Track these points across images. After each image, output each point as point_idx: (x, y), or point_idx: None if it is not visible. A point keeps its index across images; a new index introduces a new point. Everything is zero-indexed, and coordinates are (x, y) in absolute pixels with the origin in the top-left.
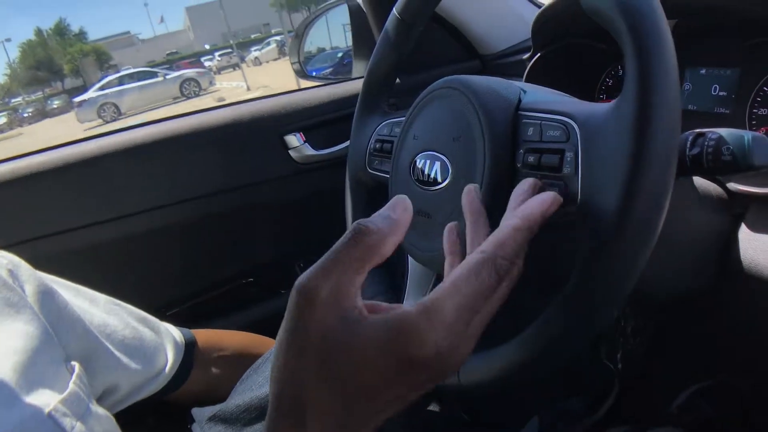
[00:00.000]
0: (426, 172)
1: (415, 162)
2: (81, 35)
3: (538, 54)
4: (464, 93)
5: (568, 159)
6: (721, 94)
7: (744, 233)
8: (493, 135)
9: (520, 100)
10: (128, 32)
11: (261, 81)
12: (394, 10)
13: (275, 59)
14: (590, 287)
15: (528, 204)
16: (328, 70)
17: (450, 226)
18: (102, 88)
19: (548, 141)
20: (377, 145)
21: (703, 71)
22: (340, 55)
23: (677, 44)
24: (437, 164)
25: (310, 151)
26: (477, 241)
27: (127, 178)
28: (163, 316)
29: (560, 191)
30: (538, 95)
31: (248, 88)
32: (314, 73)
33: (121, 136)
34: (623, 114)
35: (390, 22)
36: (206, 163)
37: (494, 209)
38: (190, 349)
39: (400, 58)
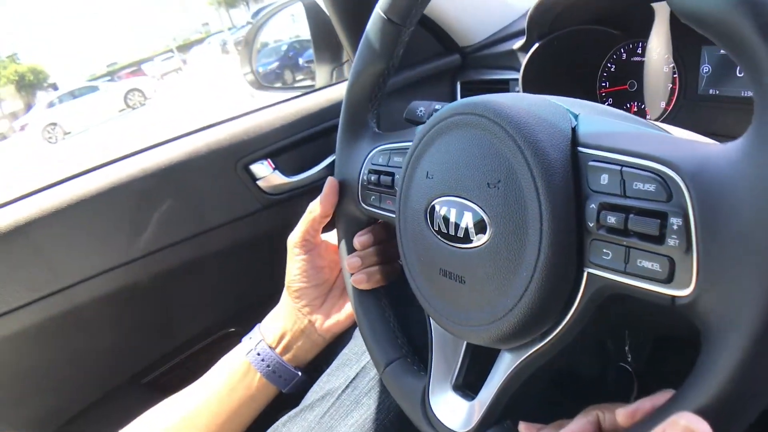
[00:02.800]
0: (452, 222)
1: (434, 208)
2: (14, 56)
3: (536, 44)
4: (499, 123)
5: (674, 227)
6: None
7: None
8: (550, 182)
9: (574, 131)
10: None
11: (206, 81)
12: (379, 10)
13: (218, 58)
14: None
15: None
16: (275, 64)
17: None
18: (43, 109)
19: (637, 197)
20: (372, 177)
21: (723, 51)
22: (284, 47)
23: (683, 23)
24: (467, 216)
25: (281, 178)
26: None
27: (68, 241)
28: (139, 385)
29: (662, 270)
30: (600, 123)
31: (193, 91)
32: (263, 72)
33: (52, 192)
34: (764, 161)
35: (374, 24)
36: (164, 209)
37: (557, 285)
38: None
39: (388, 67)
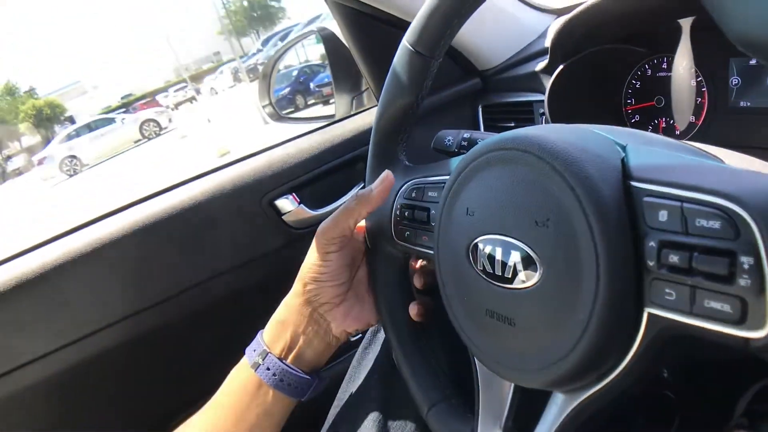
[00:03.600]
0: (498, 260)
1: (477, 246)
2: (31, 91)
3: (561, 65)
4: (544, 159)
5: (745, 266)
6: None
7: None
8: (604, 220)
9: (624, 163)
10: (78, 81)
11: (221, 110)
12: (407, 43)
13: (231, 86)
14: None
15: None
16: (286, 90)
17: None
18: (61, 142)
19: (701, 235)
20: (406, 212)
21: (753, 61)
22: (295, 73)
23: (709, 35)
24: (515, 255)
25: (306, 212)
26: None
27: (92, 287)
28: None
29: (734, 311)
30: (650, 154)
31: (208, 120)
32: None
33: (75, 238)
34: None
35: (401, 57)
36: (189, 249)
37: (616, 327)
38: None
39: (417, 100)
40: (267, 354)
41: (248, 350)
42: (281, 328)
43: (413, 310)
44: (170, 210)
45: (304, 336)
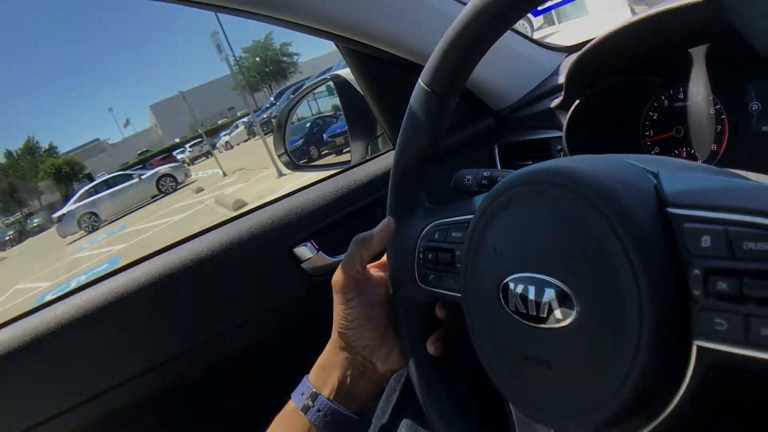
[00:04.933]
0: (531, 300)
1: (508, 287)
2: (51, 150)
3: (577, 100)
4: (575, 190)
5: None
6: None
7: None
8: (644, 251)
9: (658, 190)
10: (97, 139)
11: (236, 164)
12: (422, 83)
13: (245, 140)
14: None
15: None
16: (300, 141)
17: None
18: (79, 200)
19: (750, 258)
20: (429, 255)
21: None
22: (308, 125)
23: (724, 62)
24: (549, 292)
25: (325, 259)
26: None
27: (107, 342)
28: None
29: None
30: (684, 179)
31: (224, 174)
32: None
33: (90, 292)
34: None
35: (417, 96)
36: (208, 300)
37: (663, 363)
38: None
39: (435, 139)
40: (317, 396)
41: (294, 395)
42: (328, 372)
43: (431, 346)
44: (187, 262)
45: (350, 378)
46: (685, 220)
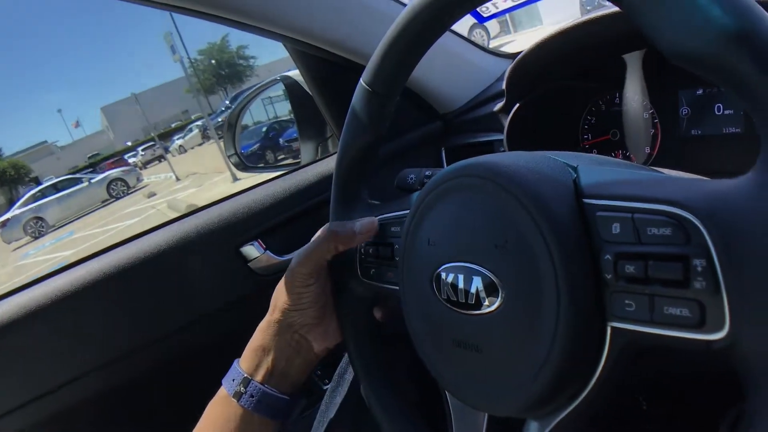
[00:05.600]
0: (461, 288)
1: (440, 276)
2: None
3: (517, 104)
4: (499, 183)
5: (698, 269)
6: (726, 112)
7: None
8: (560, 239)
9: (576, 183)
10: (45, 141)
11: (190, 168)
12: (362, 82)
13: (200, 144)
14: None
15: None
16: (256, 146)
17: None
18: (25, 204)
19: (654, 243)
20: (370, 249)
21: (699, 91)
22: (264, 129)
23: (661, 67)
24: (477, 280)
25: (272, 259)
26: None
27: (54, 341)
28: None
29: (692, 315)
30: (600, 172)
31: (177, 178)
32: (246, 154)
33: (36, 290)
34: None
35: (359, 96)
36: (156, 298)
37: (580, 344)
38: None
39: (376, 138)
40: (250, 381)
41: (226, 380)
42: (261, 354)
43: (378, 312)
44: (134, 260)
45: (286, 358)
46: (598, 209)
